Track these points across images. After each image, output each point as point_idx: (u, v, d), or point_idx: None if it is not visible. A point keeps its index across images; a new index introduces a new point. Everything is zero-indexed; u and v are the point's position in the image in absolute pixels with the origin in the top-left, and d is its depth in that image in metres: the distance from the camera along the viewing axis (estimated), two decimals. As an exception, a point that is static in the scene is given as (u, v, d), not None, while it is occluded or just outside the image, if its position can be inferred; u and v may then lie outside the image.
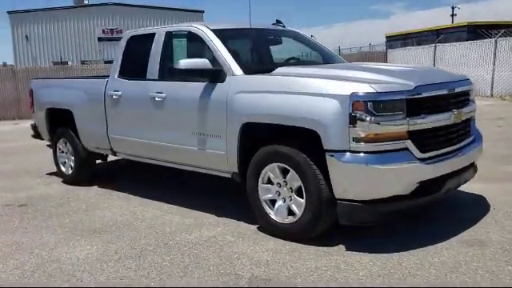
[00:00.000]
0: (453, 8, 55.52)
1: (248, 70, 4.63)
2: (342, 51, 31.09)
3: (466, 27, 36.65)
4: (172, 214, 5.20)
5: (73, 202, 5.97)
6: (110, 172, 7.53)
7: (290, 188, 4.18)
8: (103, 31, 36.12)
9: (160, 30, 5.51)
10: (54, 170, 7.65)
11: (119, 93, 5.75)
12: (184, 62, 4.60)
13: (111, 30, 36.12)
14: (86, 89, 6.29)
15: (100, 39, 36.37)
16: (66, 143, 6.87)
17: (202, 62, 4.64)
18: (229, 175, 4.74)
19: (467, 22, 38.91)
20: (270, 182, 4.33)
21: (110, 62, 31.16)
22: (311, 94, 3.92)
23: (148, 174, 7.14)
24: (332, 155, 3.78)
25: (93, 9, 36.39)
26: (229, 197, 5.73)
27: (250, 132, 4.43)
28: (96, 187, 6.64)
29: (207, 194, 5.96)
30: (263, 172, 4.31)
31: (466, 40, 28.63)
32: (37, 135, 7.54)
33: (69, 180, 6.89)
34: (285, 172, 4.19)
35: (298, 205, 4.11)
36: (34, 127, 7.49)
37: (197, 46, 5.22)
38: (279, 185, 4.26)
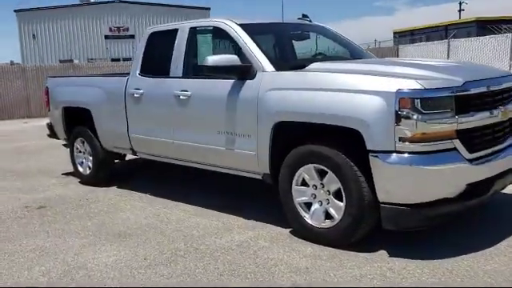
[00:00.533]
0: (460, 3, 55.00)
1: (279, 66, 4.42)
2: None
3: (475, 23, 36.30)
4: (198, 216, 5.00)
5: (93, 203, 5.77)
6: (127, 171, 7.32)
7: (328, 191, 3.96)
8: (110, 29, 35.95)
9: (183, 26, 5.29)
10: (69, 169, 7.48)
11: (141, 91, 5.54)
12: (212, 59, 4.38)
13: (118, 27, 35.95)
14: (106, 87, 6.08)
15: (107, 37, 36.21)
16: (83, 143, 6.67)
17: (231, 59, 4.42)
18: (259, 176, 4.54)
19: (476, 17, 38.54)
20: (304, 183, 4.12)
21: (117, 60, 31.08)
22: (353, 91, 3.70)
23: (167, 174, 6.94)
24: (376, 156, 3.56)
25: (99, 6, 36.22)
26: (253, 197, 5.53)
27: (282, 131, 4.22)
28: (115, 188, 6.45)
29: (231, 195, 5.75)
30: (297, 174, 4.09)
31: (477, 35, 28.30)
32: (53, 134, 7.35)
33: (87, 180, 6.70)
34: (322, 174, 3.98)
35: (337, 208, 3.90)
36: (50, 126, 7.29)
37: (223, 41, 5.01)
38: (315, 187, 4.04)
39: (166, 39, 5.48)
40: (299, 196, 4.14)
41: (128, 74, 5.96)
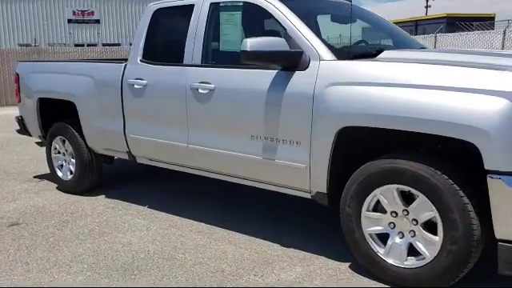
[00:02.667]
0: (427, 0, 55.27)
1: (340, 54, 3.40)
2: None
3: (445, 19, 36.15)
4: (221, 242, 3.95)
5: (80, 219, 4.62)
6: (116, 176, 6.15)
7: (414, 220, 2.99)
8: (74, 13, 33.96)
9: (201, 1, 4.19)
10: (43, 171, 6.33)
11: (144, 81, 4.41)
12: (253, 43, 3.33)
13: (82, 11, 34.02)
14: (96, 75, 4.91)
15: (70, 21, 34.22)
16: (64, 142, 5.48)
17: (277, 42, 3.39)
18: (308, 195, 3.53)
19: (446, 13, 38.36)
20: (377, 208, 3.14)
21: (81, 45, 29.25)
22: (460, 89, 2.74)
23: (165, 179, 5.84)
24: (498, 178, 2.61)
25: (62, -12, 34.13)
26: (289, 214, 4.52)
27: (348, 139, 3.22)
28: (103, 197, 5.31)
29: (256, 209, 4.72)
30: (371, 196, 3.11)
31: (446, 32, 28.06)
32: (24, 130, 6.10)
33: (67, 187, 5.52)
34: (407, 197, 3.00)
35: (429, 243, 2.93)
36: (21, 120, 6.04)
37: (258, 21, 3.97)
38: (395, 214, 3.07)
39: (178, 18, 4.39)
40: (371, 225, 3.15)
41: (124, 60, 4.82)
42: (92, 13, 34.30)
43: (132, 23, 34.89)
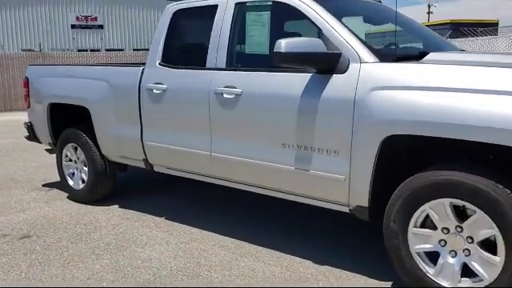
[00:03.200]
0: (429, 6, 55.20)
1: (383, 55, 3.14)
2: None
3: (449, 24, 35.99)
4: (248, 258, 3.67)
5: (94, 231, 4.35)
6: (128, 185, 5.87)
7: (470, 237, 2.71)
8: (77, 18, 33.75)
9: (225, 0, 3.93)
10: (51, 178, 6.11)
11: (163, 86, 4.15)
12: (290, 43, 3.07)
13: (86, 17, 33.83)
14: (112, 80, 4.64)
15: (73, 26, 34.02)
16: (75, 149, 5.21)
17: (314, 43, 3.12)
18: (346, 209, 3.25)
19: (450, 19, 38.21)
20: (426, 224, 2.86)
21: (84, 50, 29.03)
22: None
23: (178, 186, 5.57)
24: None
25: (66, -6, 33.94)
26: (313, 227, 4.25)
27: (393, 149, 2.95)
28: (116, 207, 5.03)
29: (280, 221, 4.44)
30: (419, 211, 2.83)
31: (450, 37, 27.81)
32: (33, 137, 5.83)
33: (79, 197, 5.24)
34: (461, 213, 2.73)
35: (488, 264, 2.66)
36: (30, 126, 5.77)
37: (288, 21, 3.71)
38: (446, 231, 2.79)
39: (199, 19, 4.15)
40: (419, 242, 2.88)
41: (141, 64, 4.56)
42: (95, 18, 34.13)
43: (135, 29, 34.73)
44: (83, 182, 5.19)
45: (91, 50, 30.03)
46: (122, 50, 32.43)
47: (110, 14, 34.26)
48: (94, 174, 5.00)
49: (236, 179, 3.85)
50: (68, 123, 5.33)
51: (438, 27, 36.39)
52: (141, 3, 33.75)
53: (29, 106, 5.69)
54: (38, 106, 5.47)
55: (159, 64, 4.28)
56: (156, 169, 4.54)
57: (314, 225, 4.32)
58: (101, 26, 34.43)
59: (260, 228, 4.27)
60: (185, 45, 4.38)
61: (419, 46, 4.32)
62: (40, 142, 5.86)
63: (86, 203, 5.16)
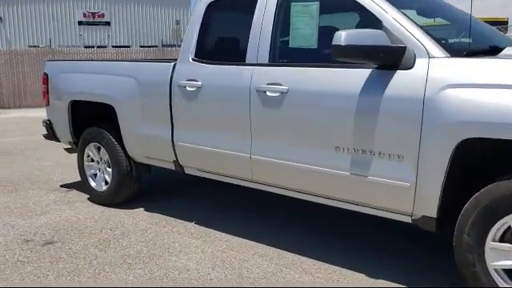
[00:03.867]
0: (435, 4, 54.85)
1: (453, 50, 2.82)
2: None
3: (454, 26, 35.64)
4: (293, 270, 3.37)
5: (122, 237, 4.05)
6: (151, 186, 5.57)
7: (560, 254, 2.40)
8: (84, 15, 33.42)
9: (267, -10, 3.62)
10: (69, 178, 5.85)
11: (198, 83, 3.84)
12: (352, 35, 2.76)
13: (93, 13, 33.50)
14: (140, 76, 4.33)
15: (80, 23, 33.71)
16: (98, 149, 4.91)
17: (376, 35, 2.81)
18: (408, 219, 2.94)
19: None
20: (506, 238, 2.55)
21: (91, 47, 28.70)
22: None
23: (208, 190, 5.26)
24: None
25: (72, -10, 33.64)
26: (357, 234, 3.94)
27: (468, 153, 2.63)
28: (142, 210, 4.73)
29: (311, 222, 4.14)
30: (500, 223, 2.52)
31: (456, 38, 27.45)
32: (51, 136, 5.53)
33: (101, 199, 4.94)
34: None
35: None
36: (49, 125, 5.46)
37: (341, 12, 3.39)
38: (531, 246, 2.48)
39: (238, 10, 3.87)
40: (498, 258, 2.57)
41: (172, 60, 4.26)
42: (102, 15, 33.81)
43: (142, 25, 34.43)
44: (106, 183, 4.89)
45: (98, 47, 29.75)
46: (128, 46, 32.16)
47: (117, 11, 33.96)
48: (119, 176, 4.70)
49: (279, 184, 3.54)
50: (90, 122, 5.03)
51: (441, 28, 36.14)
52: (148, 0, 33.45)
53: (48, 104, 5.39)
54: (59, 103, 5.17)
55: (193, 59, 3.97)
56: (187, 171, 4.23)
57: (355, 231, 4.02)
58: (108, 23, 34.14)
59: (299, 234, 3.97)
60: (221, 38, 4.07)
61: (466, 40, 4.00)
62: (59, 141, 5.56)
63: (108, 206, 4.87)
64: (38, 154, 7.81)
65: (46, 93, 5.36)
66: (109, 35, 34.05)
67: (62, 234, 4.17)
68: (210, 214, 4.53)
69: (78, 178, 5.46)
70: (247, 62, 3.60)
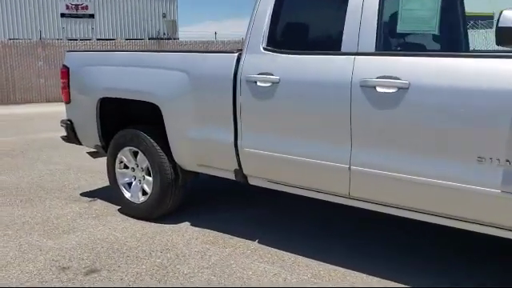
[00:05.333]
0: None
1: None
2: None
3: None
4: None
5: (179, 262, 3.35)
6: (190, 193, 4.82)
7: None
8: (67, 7, 32.11)
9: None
10: (86, 185, 5.12)
11: (274, 77, 3.14)
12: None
13: (76, 5, 32.22)
14: (194, 70, 3.61)
15: (63, 15, 32.42)
16: (135, 154, 4.17)
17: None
18: None
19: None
20: None
21: (74, 40, 27.48)
22: None
23: (256, 197, 4.57)
24: None
25: (54, -19, 32.26)
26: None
27: None
28: (189, 225, 4.03)
29: (399, 242, 3.50)
30: None
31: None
32: (72, 138, 4.75)
33: (137, 211, 4.21)
34: None
35: None
36: (70, 126, 4.68)
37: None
38: None
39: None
40: None
41: (235, 50, 3.54)
42: (86, 7, 32.55)
43: (127, 18, 33.35)
44: (144, 194, 4.16)
45: (81, 40, 28.58)
46: (113, 39, 31.01)
47: (101, 3, 32.77)
48: (162, 186, 3.97)
49: (388, 202, 2.86)
50: (123, 123, 4.29)
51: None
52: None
53: (68, 101, 4.61)
54: (83, 100, 4.41)
55: (264, 49, 3.27)
56: (252, 182, 3.54)
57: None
58: (92, 15, 32.93)
59: (404, 263, 3.31)
60: (302, 22, 3.36)
61: None
62: (80, 144, 4.79)
63: (146, 220, 4.13)
64: (42, 156, 7.00)
65: (66, 88, 4.59)
66: (93, 28, 32.84)
67: (103, 258, 3.44)
68: (271, 229, 3.87)
69: (98, 185, 4.75)
70: (343, 50, 2.91)
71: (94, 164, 6.01)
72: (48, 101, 15.49)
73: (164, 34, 32.97)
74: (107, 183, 4.55)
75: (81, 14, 32.67)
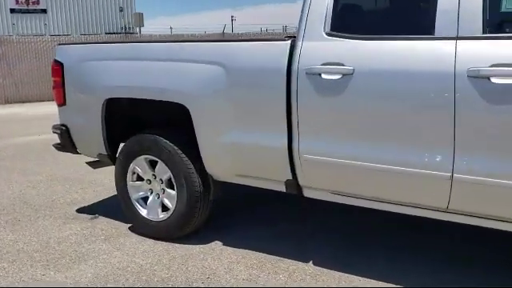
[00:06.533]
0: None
1: None
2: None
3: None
4: None
5: (231, 297, 2.71)
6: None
7: None
8: (17, 1, 30.31)
9: None
10: (77, 198, 4.45)
11: (346, 68, 2.56)
12: None
13: (27, 0, 30.52)
14: (232, 62, 2.97)
15: (13, 11, 30.62)
16: (152, 164, 3.50)
17: None
18: None
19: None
20: None
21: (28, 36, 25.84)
22: None
23: (287, 207, 4.00)
24: None
25: (1, -25, 30.37)
26: None
27: None
28: (221, 245, 3.43)
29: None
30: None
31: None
32: (68, 146, 4.01)
33: (156, 231, 3.55)
34: None
35: None
36: (65, 132, 3.93)
37: None
38: None
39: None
40: None
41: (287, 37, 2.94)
42: (37, 1, 30.83)
43: (82, 13, 31.87)
44: (164, 209, 3.49)
45: (34, 36, 27.02)
46: (68, 35, 29.51)
47: (54, -1, 31.09)
48: (189, 199, 3.33)
49: (502, 215, 2.34)
50: (131, 127, 3.61)
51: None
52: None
53: (63, 103, 3.87)
54: (84, 102, 3.70)
55: (328, 34, 2.67)
56: (309, 194, 2.95)
57: None
58: (44, 11, 31.29)
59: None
60: (379, 3, 2.79)
61: None
62: (77, 153, 4.06)
63: (168, 240, 3.48)
64: (18, 165, 6.16)
65: (60, 88, 3.84)
66: (45, 24, 31.20)
67: (136, 296, 2.77)
68: (319, 246, 3.30)
69: (95, 198, 4.13)
70: (437, 35, 2.36)
71: (80, 174, 5.32)
72: (7, 102, 14.29)
73: (122, 28, 31.74)
74: (105, 195, 3.91)
75: (32, 9, 30.99)
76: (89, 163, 4.09)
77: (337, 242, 3.37)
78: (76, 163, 5.87)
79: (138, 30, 26.42)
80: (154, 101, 3.30)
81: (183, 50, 3.20)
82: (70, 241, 3.62)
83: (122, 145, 3.71)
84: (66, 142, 3.95)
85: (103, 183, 5.08)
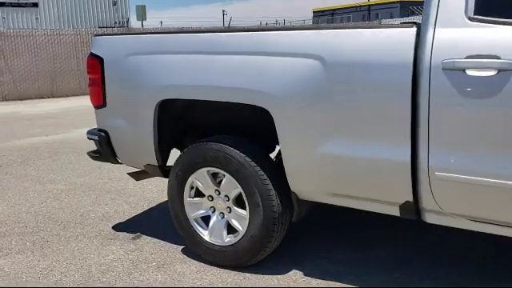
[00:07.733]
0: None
1: None
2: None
3: (399, 3, 35.27)
4: None
5: None
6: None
7: None
8: (7, -5, 29.30)
9: None
10: (110, 212, 3.88)
11: (505, 61, 1.94)
12: None
13: (17, -7, 29.49)
14: (336, 55, 2.34)
15: (3, 5, 29.62)
16: (217, 178, 2.86)
17: None
18: None
19: (399, -3, 37.44)
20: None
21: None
22: None
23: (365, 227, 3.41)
24: None
25: (-9, -33, 29.30)
26: None
27: None
28: (301, 275, 2.86)
29: None
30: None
31: (400, 16, 26.92)
32: (108, 155, 3.36)
33: (223, 257, 2.92)
34: None
35: None
36: (105, 139, 3.28)
37: None
38: None
39: None
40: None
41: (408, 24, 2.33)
42: (28, -5, 29.83)
43: (74, 5, 30.95)
44: (230, 231, 2.87)
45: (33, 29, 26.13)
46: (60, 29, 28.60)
47: (44, -9, 30.12)
48: (266, 221, 2.71)
49: None
50: (183, 134, 2.99)
51: (386, 5, 35.58)
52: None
53: (102, 104, 3.21)
54: (132, 104, 3.04)
55: (472, 19, 2.05)
56: (433, 219, 2.34)
57: None
58: (35, 4, 30.34)
59: None
60: None
61: None
62: (118, 163, 3.40)
63: (236, 268, 2.86)
64: (29, 172, 5.48)
65: (99, 87, 3.18)
66: (37, 18, 30.24)
67: None
68: (421, 274, 2.70)
69: (130, 211, 3.51)
70: None
71: (104, 181, 4.72)
72: (5, 99, 13.49)
73: (115, 22, 30.90)
74: (141, 208, 3.31)
75: (23, 2, 30.02)
76: (131, 174, 3.44)
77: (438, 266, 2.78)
78: (96, 168, 5.25)
79: (140, 23, 25.56)
80: (221, 103, 2.67)
81: (267, 41, 2.55)
82: (116, 269, 2.99)
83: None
84: (105, 150, 3.30)
85: (135, 193, 4.45)
